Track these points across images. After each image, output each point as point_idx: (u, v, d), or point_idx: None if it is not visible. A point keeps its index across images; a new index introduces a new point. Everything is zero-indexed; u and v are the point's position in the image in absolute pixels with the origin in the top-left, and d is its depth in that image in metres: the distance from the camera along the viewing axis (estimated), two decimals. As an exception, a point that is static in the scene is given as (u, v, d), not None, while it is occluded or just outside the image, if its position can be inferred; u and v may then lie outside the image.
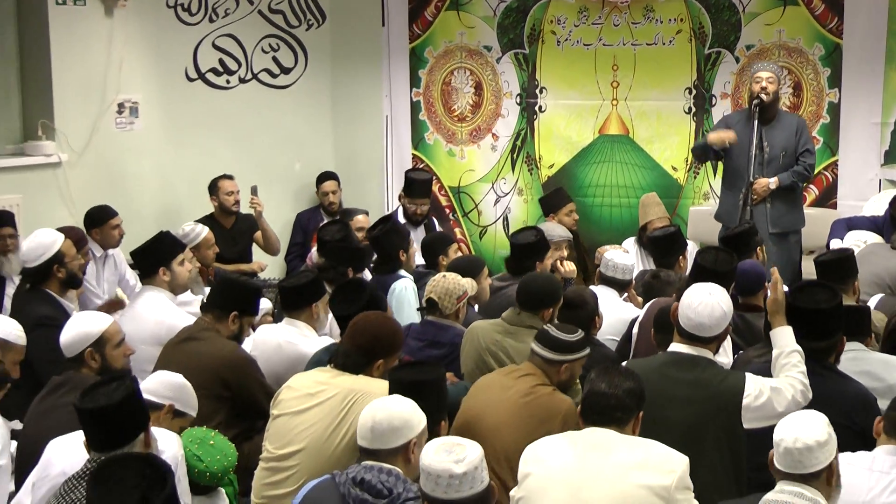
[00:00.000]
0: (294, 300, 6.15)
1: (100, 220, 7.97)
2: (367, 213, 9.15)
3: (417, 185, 9.42)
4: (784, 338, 4.86)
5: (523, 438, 4.53)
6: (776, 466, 3.74)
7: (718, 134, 7.94)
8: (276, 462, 4.87)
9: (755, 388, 4.65)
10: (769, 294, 4.95)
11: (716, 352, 4.89)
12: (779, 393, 4.64)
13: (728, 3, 9.30)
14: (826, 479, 3.71)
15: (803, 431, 3.69)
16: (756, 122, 7.78)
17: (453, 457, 3.38)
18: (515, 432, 4.71)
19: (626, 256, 7.26)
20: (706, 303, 4.78)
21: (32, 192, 8.22)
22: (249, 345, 6.23)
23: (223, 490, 4.67)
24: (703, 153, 8.25)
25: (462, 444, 3.44)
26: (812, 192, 8.72)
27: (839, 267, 6.13)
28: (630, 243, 8.60)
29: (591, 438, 4.07)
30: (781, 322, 4.88)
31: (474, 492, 3.37)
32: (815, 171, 8.52)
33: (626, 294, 7.13)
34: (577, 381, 5.23)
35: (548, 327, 5.16)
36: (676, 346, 4.86)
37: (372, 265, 7.56)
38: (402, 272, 7.12)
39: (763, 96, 7.80)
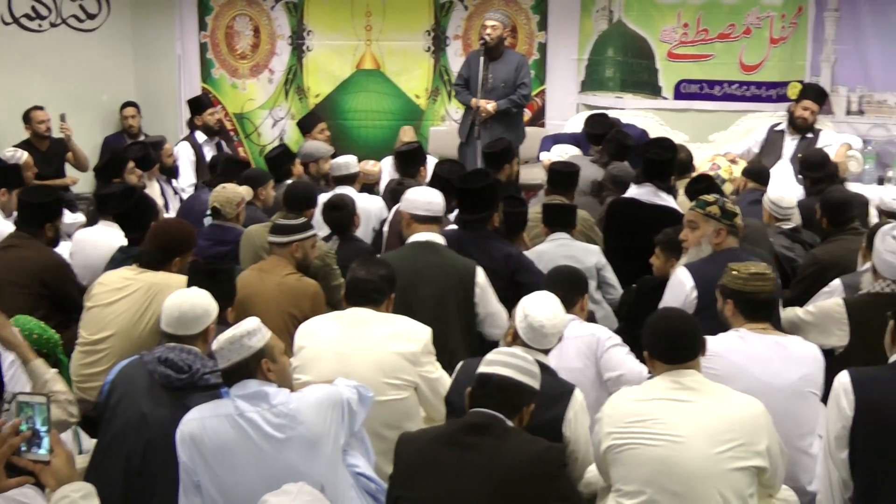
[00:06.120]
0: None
1: None
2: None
3: (202, 98, 9.39)
4: None
5: (283, 318, 4.63)
6: (522, 339, 3.73)
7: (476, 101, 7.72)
8: (90, 346, 4.72)
9: (484, 277, 4.73)
10: None
11: (441, 230, 4.93)
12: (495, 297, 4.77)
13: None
14: None
15: (551, 314, 3.73)
16: (482, 59, 7.75)
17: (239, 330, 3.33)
18: (276, 313, 4.66)
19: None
20: (424, 191, 5.00)
21: None
22: (69, 246, 6.05)
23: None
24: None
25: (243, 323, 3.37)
26: (526, 115, 8.82)
27: (502, 153, 6.58)
28: (388, 161, 8.37)
29: (353, 316, 4.09)
30: None
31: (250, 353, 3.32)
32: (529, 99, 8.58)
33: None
34: (337, 269, 5.25)
35: (277, 219, 5.13)
36: (416, 236, 4.87)
37: None
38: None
39: (486, 38, 7.76)
